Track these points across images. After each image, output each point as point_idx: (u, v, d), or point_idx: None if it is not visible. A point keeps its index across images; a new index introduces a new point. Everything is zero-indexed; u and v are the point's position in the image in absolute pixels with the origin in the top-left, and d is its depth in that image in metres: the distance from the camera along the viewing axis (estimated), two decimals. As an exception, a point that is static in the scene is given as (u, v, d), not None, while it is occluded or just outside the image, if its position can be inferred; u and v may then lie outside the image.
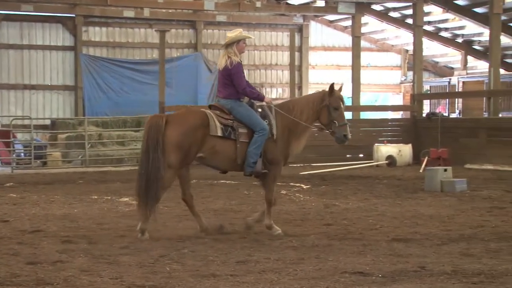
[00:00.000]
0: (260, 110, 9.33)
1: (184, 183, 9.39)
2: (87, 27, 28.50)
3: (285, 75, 30.55)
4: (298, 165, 21.41)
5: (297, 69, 29.88)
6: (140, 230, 8.99)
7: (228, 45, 9.39)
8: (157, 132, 8.93)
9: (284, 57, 30.92)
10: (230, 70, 9.25)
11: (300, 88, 31.16)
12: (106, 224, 10.17)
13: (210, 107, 9.49)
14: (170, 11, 28.78)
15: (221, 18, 29.36)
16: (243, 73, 9.38)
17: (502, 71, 24.26)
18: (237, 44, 9.37)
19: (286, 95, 30.12)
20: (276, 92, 31.69)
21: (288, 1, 28.79)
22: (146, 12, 27.11)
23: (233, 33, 9.47)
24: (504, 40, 26.02)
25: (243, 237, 8.99)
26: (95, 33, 28.83)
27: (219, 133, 9.08)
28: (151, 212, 8.94)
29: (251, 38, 10.04)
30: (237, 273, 6.89)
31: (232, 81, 9.25)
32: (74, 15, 27.82)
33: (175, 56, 29.07)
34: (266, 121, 9.20)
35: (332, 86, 9.41)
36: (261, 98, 9.38)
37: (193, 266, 7.25)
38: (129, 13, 27.67)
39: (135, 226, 9.83)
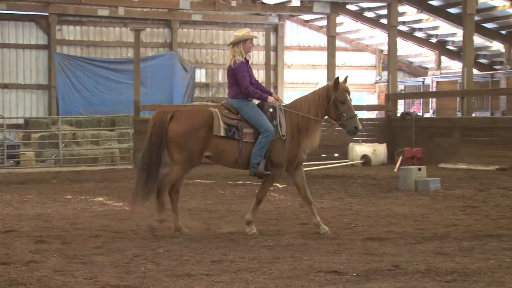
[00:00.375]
0: (271, 110, 9.25)
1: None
2: (61, 25, 28.31)
3: (261, 75, 30.50)
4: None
5: (273, 68, 29.91)
6: (159, 220, 9.14)
7: (235, 44, 9.34)
8: (161, 128, 9.05)
9: (259, 57, 30.91)
10: (234, 70, 9.25)
11: (275, 87, 31.18)
12: (80, 224, 10.10)
13: (222, 105, 9.58)
14: (145, 10, 28.70)
15: (196, 17, 29.31)
16: (248, 72, 9.28)
17: (475, 71, 24.46)
18: (243, 43, 9.32)
19: (262, 94, 30.09)
20: (252, 91, 31.66)
21: (263, 1, 28.82)
22: (121, 11, 26.97)
23: (240, 32, 9.45)
24: (477, 40, 26.25)
25: (218, 237, 8.98)
26: (69, 32, 28.65)
27: (222, 133, 9.09)
28: (145, 201, 9.12)
29: (257, 38, 9.91)
30: (212, 273, 6.88)
31: (237, 81, 9.25)
32: (47, 14, 27.62)
33: (150, 55, 28.98)
34: (275, 122, 9.12)
35: (337, 80, 9.30)
36: (264, 98, 9.28)
37: (168, 266, 7.23)
38: (103, 11, 27.49)
39: (109, 226, 9.81)
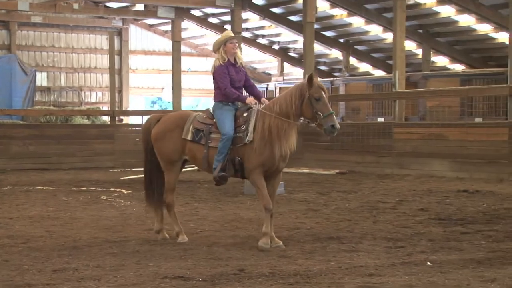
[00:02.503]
0: (245, 114, 8.84)
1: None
2: None
3: (105, 79, 30.10)
4: (119, 170, 21.14)
5: (117, 72, 29.50)
6: (156, 231, 9.32)
7: (218, 49, 9.09)
8: (146, 134, 9.38)
9: (103, 60, 30.44)
10: (213, 74, 9.06)
11: (120, 92, 30.81)
12: None
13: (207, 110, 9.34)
14: (-19, 10, 27.51)
15: (36, 19, 28.40)
16: (226, 74, 8.93)
17: (316, 78, 25.19)
18: (224, 46, 9.04)
19: (106, 99, 29.69)
20: (96, 96, 31.14)
21: (106, 4, 28.38)
22: (-45, 11, 25.71)
23: (221, 36, 9.20)
24: (318, 47, 27.13)
25: (61, 244, 8.74)
26: None
27: (189, 137, 8.94)
28: (157, 212, 9.34)
29: (233, 38, 9.15)
30: (53, 282, 6.68)
31: (217, 84, 9.03)
32: None
33: (-13, 57, 27.84)
34: (243, 127, 8.73)
35: (311, 76, 8.67)
36: (241, 99, 8.95)
37: (6, 276, 6.95)
38: None
39: None
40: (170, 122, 9.24)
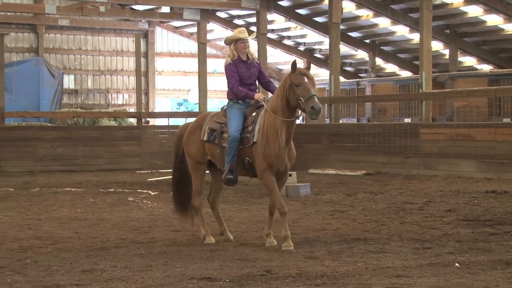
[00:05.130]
0: (254, 114, 8.73)
1: (213, 187, 9.47)
2: None
3: (131, 81, 30.29)
4: (146, 171, 21.24)
5: (144, 74, 29.68)
6: (203, 236, 9.18)
7: (230, 44, 9.00)
8: (178, 140, 9.42)
9: (130, 63, 30.64)
10: (225, 71, 9.01)
11: (146, 94, 30.98)
12: None
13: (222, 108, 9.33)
14: (9, 14, 27.78)
15: (63, 22, 28.66)
16: (235, 72, 8.82)
17: (342, 79, 25.20)
18: (234, 43, 8.95)
19: (133, 101, 29.86)
20: (123, 98, 31.34)
21: (132, 6, 28.55)
22: (-17, 15, 25.99)
23: (234, 32, 9.10)
24: (343, 48, 27.07)
25: (89, 246, 8.80)
26: None
27: (205, 138, 8.96)
28: (189, 217, 9.39)
29: (243, 38, 8.92)
30: (82, 283, 6.72)
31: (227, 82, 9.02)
32: None
33: (15, 60, 28.10)
34: (250, 128, 8.60)
35: (293, 62, 8.48)
36: (249, 96, 8.82)
37: (36, 277, 7.00)
38: (-36, 15, 26.44)
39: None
40: (194, 124, 9.28)
